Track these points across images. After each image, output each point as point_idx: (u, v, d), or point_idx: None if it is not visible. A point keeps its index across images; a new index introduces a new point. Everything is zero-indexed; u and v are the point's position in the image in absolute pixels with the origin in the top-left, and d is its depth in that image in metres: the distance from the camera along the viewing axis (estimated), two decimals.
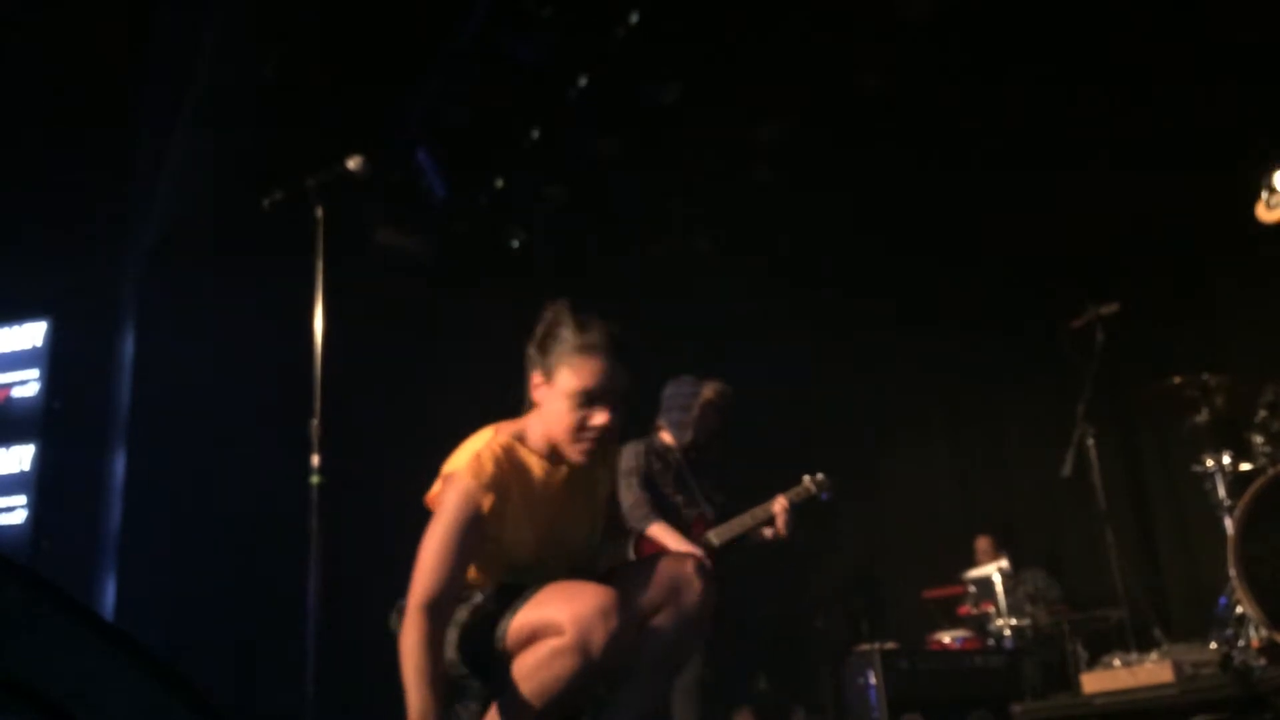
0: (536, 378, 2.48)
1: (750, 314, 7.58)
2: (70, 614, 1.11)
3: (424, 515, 2.41)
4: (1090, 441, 5.04)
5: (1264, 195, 4.36)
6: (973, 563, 6.70)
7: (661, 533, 4.25)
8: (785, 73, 6.39)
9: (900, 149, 6.81)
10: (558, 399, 2.42)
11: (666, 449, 4.53)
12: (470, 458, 2.41)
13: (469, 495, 2.36)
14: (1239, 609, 4.43)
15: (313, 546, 2.84)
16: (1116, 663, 4.21)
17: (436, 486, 2.46)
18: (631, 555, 4.15)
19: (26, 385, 7.25)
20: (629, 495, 4.31)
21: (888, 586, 7.73)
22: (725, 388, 4.62)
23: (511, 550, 2.46)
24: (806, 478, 4.56)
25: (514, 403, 2.54)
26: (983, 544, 6.82)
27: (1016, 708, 4.51)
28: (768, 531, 4.45)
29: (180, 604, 6.43)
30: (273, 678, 5.03)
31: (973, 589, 6.41)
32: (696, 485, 4.55)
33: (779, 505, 4.43)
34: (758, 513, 4.45)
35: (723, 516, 4.48)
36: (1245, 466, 4.77)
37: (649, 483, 4.41)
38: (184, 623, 6.28)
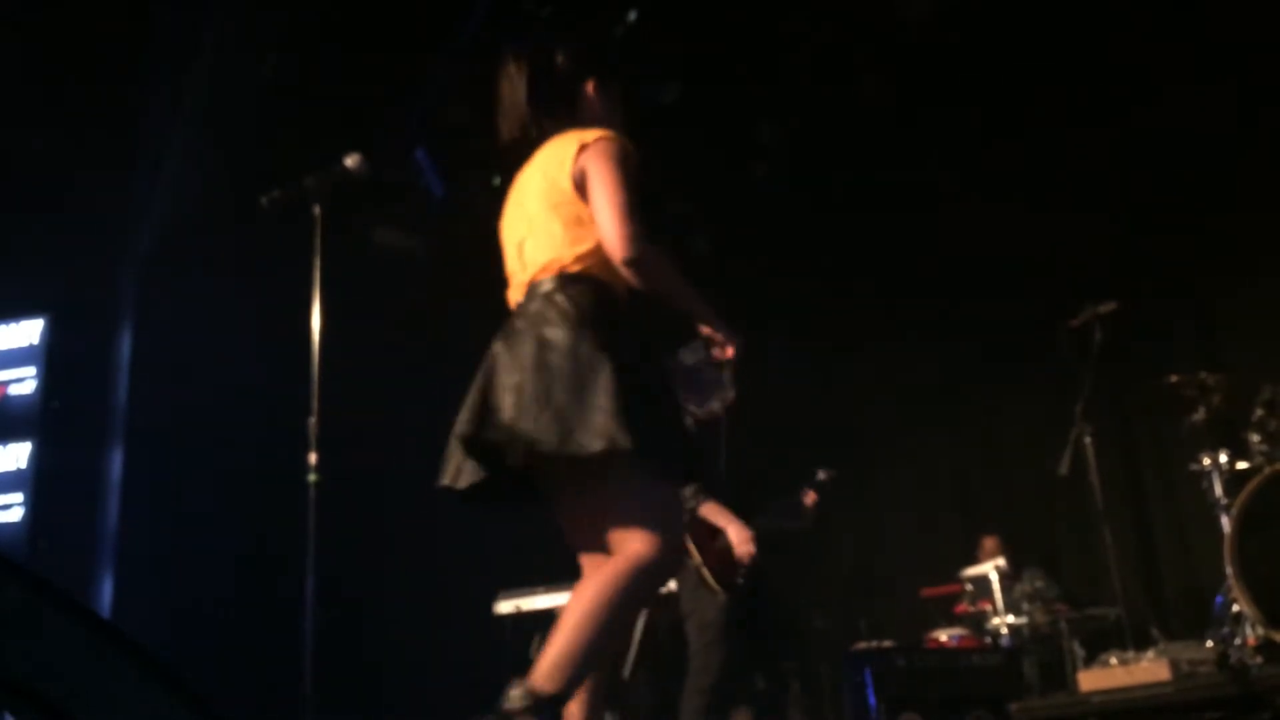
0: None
1: (746, 312, 7.57)
2: (70, 614, 1.11)
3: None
4: (1088, 440, 5.04)
5: None
6: (973, 560, 6.70)
7: (714, 512, 4.40)
8: (784, 71, 6.39)
9: (896, 147, 6.81)
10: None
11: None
12: (597, 131, 2.60)
13: (623, 144, 2.57)
14: (1236, 607, 4.44)
15: (310, 545, 2.84)
16: (1113, 661, 4.21)
17: (567, 163, 2.57)
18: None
19: (24, 383, 7.25)
20: None
21: (885, 585, 7.73)
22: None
23: None
24: (822, 472, 4.89)
25: None
26: (989, 544, 6.81)
27: (1014, 706, 4.52)
28: (801, 522, 4.74)
29: (177, 602, 6.44)
30: (270, 676, 5.03)
31: (970, 588, 6.41)
32: (722, 452, 4.56)
33: (810, 498, 4.74)
34: (788, 504, 4.74)
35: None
36: (1242, 465, 4.78)
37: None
38: (181, 621, 6.28)
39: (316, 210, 2.97)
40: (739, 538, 4.33)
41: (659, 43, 6.05)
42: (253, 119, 6.45)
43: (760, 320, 7.56)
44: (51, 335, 7.29)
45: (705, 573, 4.32)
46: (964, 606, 6.43)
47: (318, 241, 2.97)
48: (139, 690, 1.12)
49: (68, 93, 6.56)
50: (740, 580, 4.34)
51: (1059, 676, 5.65)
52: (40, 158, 6.76)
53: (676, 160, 6.97)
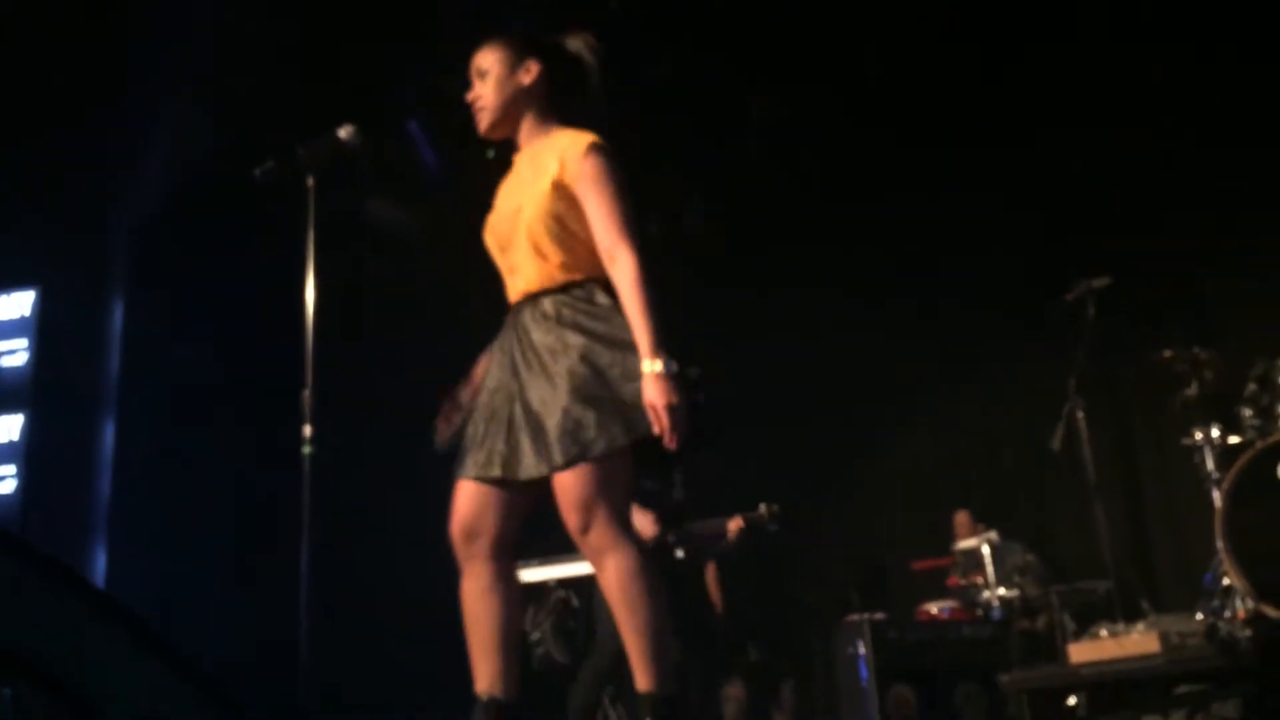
0: None
1: (741, 288, 7.57)
2: (63, 584, 1.11)
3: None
4: (1080, 415, 5.05)
5: None
6: (953, 537, 6.75)
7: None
8: (777, 46, 6.36)
9: (886, 123, 6.79)
10: None
11: None
12: (583, 138, 2.75)
13: (611, 151, 2.71)
14: (1226, 581, 4.46)
15: (304, 517, 2.84)
16: (1103, 633, 4.23)
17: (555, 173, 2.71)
18: None
19: (15, 355, 7.23)
20: None
21: (877, 558, 7.76)
22: (685, 368, 4.81)
23: None
24: (763, 506, 5.10)
25: None
26: (961, 518, 6.86)
27: (1004, 677, 4.54)
28: (723, 545, 5.09)
29: (170, 574, 6.45)
30: (264, 646, 5.05)
31: (962, 560, 6.44)
32: (678, 470, 4.90)
33: (735, 524, 5.06)
34: (712, 524, 5.06)
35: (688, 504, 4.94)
36: (1234, 440, 4.80)
37: None
38: (174, 592, 6.30)
39: (310, 182, 2.95)
40: (643, 524, 4.70)
41: (653, 13, 6.02)
42: (244, 89, 6.41)
43: (751, 295, 7.58)
44: (43, 307, 7.27)
45: None
46: (955, 579, 6.46)
47: (311, 213, 2.95)
48: (132, 658, 1.11)
49: (59, 63, 6.51)
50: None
51: (1049, 648, 5.68)
52: (30, 129, 6.71)
53: (669, 134, 6.95)
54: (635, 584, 2.56)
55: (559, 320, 2.66)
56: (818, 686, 6.50)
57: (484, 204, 2.88)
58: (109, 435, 7.15)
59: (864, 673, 5.22)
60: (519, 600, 2.78)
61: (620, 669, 4.45)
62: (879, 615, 5.63)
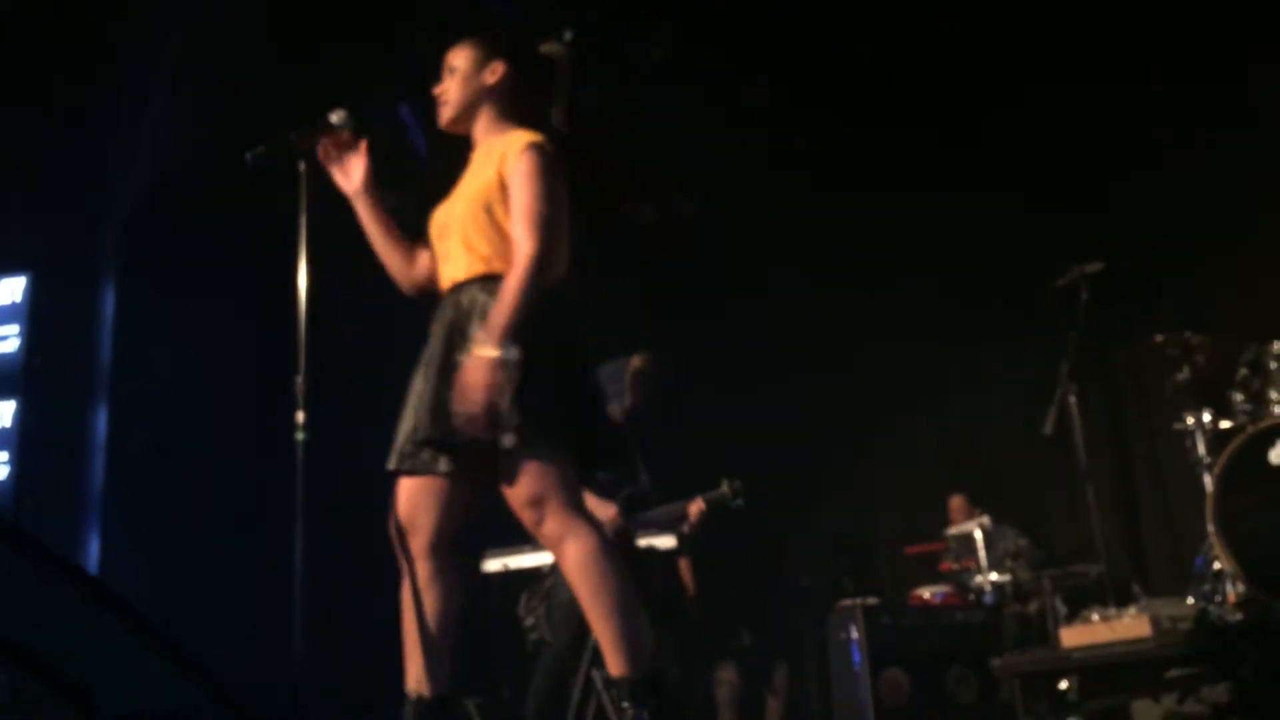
0: None
1: (736, 273, 7.57)
2: (57, 571, 1.11)
3: None
4: (1072, 400, 5.06)
5: None
6: (949, 521, 6.76)
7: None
8: (771, 30, 6.35)
9: (877, 110, 6.78)
10: None
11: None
12: (525, 136, 2.80)
13: (549, 153, 2.77)
14: (1217, 565, 4.49)
15: (298, 503, 2.84)
16: (1095, 617, 4.25)
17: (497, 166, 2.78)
18: None
19: (7, 341, 7.20)
20: None
21: (870, 542, 7.78)
22: (652, 356, 4.92)
23: None
24: (725, 484, 4.99)
25: None
26: (956, 503, 6.87)
27: (996, 661, 4.57)
28: (684, 528, 4.95)
29: (163, 561, 6.44)
30: (258, 635, 5.05)
31: (954, 545, 6.46)
32: (639, 459, 4.88)
33: (695, 507, 4.94)
34: (672, 510, 4.93)
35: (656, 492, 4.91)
36: (1225, 424, 4.82)
37: None
38: (167, 580, 6.29)
39: (301, 167, 2.94)
40: (606, 515, 4.65)
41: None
42: (235, 73, 6.38)
43: (745, 280, 7.57)
44: (34, 293, 7.24)
45: None
46: (948, 564, 6.48)
47: (303, 197, 2.94)
48: (127, 645, 1.12)
49: (48, 48, 6.47)
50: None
51: (1041, 632, 5.71)
52: (21, 114, 6.67)
53: (660, 118, 6.94)
54: (595, 566, 2.58)
55: (471, 311, 2.70)
56: (810, 670, 6.52)
57: None
58: (101, 422, 7.14)
59: (856, 657, 5.24)
60: (459, 594, 2.79)
61: (579, 651, 4.51)
62: (872, 600, 5.65)
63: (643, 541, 5.43)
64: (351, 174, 2.95)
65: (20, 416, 7.02)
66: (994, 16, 6.27)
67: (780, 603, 7.17)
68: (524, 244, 2.66)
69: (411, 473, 2.76)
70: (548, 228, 2.68)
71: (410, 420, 2.73)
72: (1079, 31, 6.28)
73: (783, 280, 7.51)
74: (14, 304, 7.24)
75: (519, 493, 2.62)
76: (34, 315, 7.19)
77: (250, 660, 5.08)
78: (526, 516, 2.64)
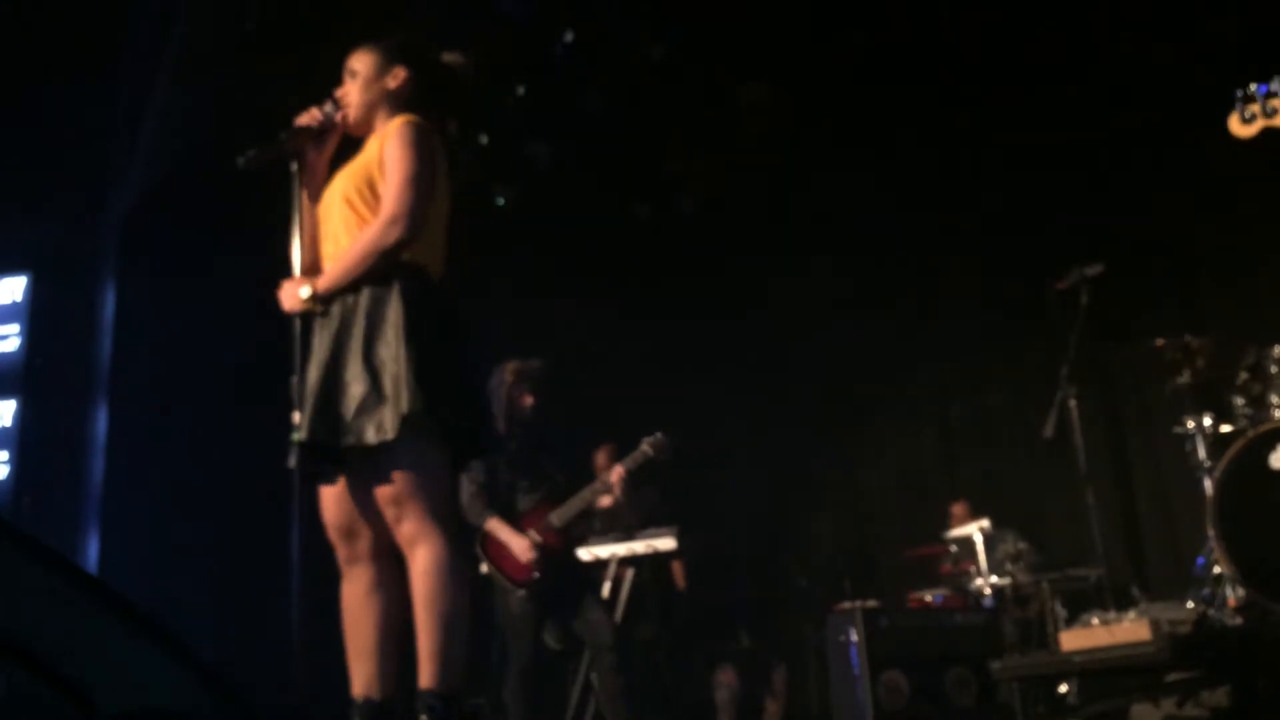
0: None
1: (737, 280, 7.57)
2: (56, 570, 1.11)
3: None
4: (1073, 403, 5.05)
5: (1238, 107, 4.28)
6: (950, 525, 6.76)
7: (497, 527, 4.66)
8: (773, 28, 6.34)
9: (877, 111, 6.77)
10: None
11: (501, 439, 4.77)
12: (402, 116, 2.84)
13: (423, 128, 2.80)
14: (1217, 569, 4.48)
15: (295, 502, 2.83)
16: (1095, 621, 4.24)
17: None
18: (478, 550, 4.66)
19: (7, 340, 7.21)
20: (467, 491, 4.68)
21: (870, 545, 7.78)
22: (523, 364, 4.86)
23: None
24: (645, 441, 4.86)
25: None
26: (958, 509, 6.86)
27: (995, 665, 4.56)
28: (606, 500, 4.81)
29: (163, 559, 6.43)
30: (256, 632, 5.04)
31: (954, 548, 6.45)
32: (539, 465, 4.83)
33: (615, 474, 4.79)
34: (597, 486, 4.81)
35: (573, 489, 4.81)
36: (1226, 428, 4.81)
37: (490, 473, 4.72)
38: (167, 578, 6.28)
39: (294, 167, 2.93)
40: (519, 549, 4.62)
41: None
42: (233, 73, 6.38)
43: (745, 282, 7.58)
44: (35, 292, 7.24)
45: (499, 577, 4.69)
46: (947, 567, 6.48)
47: (296, 198, 2.93)
48: (127, 644, 1.11)
49: (48, 48, 6.47)
50: (535, 577, 4.63)
51: (1040, 636, 5.70)
52: (21, 112, 6.67)
53: (664, 118, 6.94)
54: (437, 577, 2.59)
55: (356, 310, 2.74)
56: (810, 673, 6.52)
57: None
58: (102, 420, 7.14)
59: (855, 660, 5.23)
60: (403, 597, 2.77)
61: (529, 661, 4.52)
62: (871, 603, 5.64)
63: (640, 546, 5.43)
64: (327, 153, 2.98)
65: (20, 416, 7.03)
66: (994, 16, 6.26)
67: (779, 605, 7.17)
68: (390, 209, 2.70)
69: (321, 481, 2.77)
70: (418, 188, 2.71)
71: (305, 427, 2.68)
72: (1079, 31, 6.28)
73: (785, 286, 7.51)
74: (15, 303, 7.25)
75: (384, 490, 2.63)
76: (35, 314, 7.19)
77: (249, 658, 5.07)
78: (388, 514, 2.64)
